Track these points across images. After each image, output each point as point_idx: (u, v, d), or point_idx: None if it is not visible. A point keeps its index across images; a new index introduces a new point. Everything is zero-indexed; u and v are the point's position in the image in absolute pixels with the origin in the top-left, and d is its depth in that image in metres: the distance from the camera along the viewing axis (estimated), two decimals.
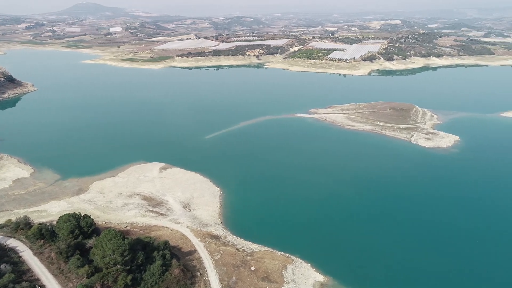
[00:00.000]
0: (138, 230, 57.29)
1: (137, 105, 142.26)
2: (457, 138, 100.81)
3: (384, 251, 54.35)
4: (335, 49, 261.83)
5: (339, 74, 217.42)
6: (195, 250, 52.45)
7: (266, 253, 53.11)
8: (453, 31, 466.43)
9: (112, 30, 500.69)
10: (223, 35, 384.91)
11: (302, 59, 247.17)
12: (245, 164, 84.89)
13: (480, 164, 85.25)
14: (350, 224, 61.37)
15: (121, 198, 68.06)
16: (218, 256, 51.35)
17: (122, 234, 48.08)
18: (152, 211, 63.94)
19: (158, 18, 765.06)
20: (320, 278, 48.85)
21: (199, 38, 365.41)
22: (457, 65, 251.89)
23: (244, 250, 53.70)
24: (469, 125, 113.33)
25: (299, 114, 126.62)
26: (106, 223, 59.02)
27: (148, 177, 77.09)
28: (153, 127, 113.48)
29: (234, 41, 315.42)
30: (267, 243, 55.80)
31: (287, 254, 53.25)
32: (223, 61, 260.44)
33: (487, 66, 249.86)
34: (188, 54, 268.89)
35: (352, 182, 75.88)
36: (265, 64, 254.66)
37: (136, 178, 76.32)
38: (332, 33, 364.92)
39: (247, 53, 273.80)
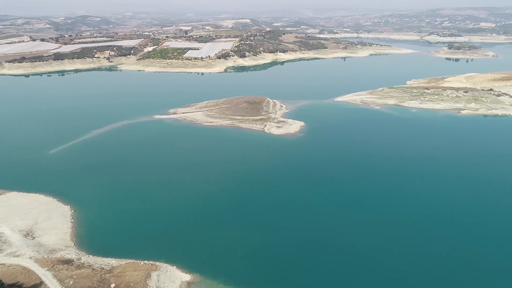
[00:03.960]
0: None
1: None
2: (302, 123, 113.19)
3: (247, 241, 57.17)
4: (190, 48, 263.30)
5: (197, 73, 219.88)
6: (41, 282, 45.80)
7: (128, 266, 50.02)
8: (294, 28, 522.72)
9: None
10: (65, 36, 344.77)
11: (158, 59, 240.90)
12: (100, 176, 78.06)
13: (322, 143, 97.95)
14: (214, 220, 62.64)
15: None
16: (71, 282, 45.98)
17: None
18: None
19: None
20: (187, 277, 48.62)
21: (34, 40, 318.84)
22: (300, 59, 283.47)
23: (102, 268, 49.41)
24: (311, 111, 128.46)
25: (157, 116, 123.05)
26: None
27: None
28: None
29: (79, 43, 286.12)
30: (129, 255, 52.67)
31: (151, 262, 51.26)
32: (68, 65, 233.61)
33: (323, 58, 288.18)
34: (22, 59, 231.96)
35: (215, 177, 77.60)
36: (118, 66, 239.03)
37: None
38: (186, 32, 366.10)
39: (96, 56, 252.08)
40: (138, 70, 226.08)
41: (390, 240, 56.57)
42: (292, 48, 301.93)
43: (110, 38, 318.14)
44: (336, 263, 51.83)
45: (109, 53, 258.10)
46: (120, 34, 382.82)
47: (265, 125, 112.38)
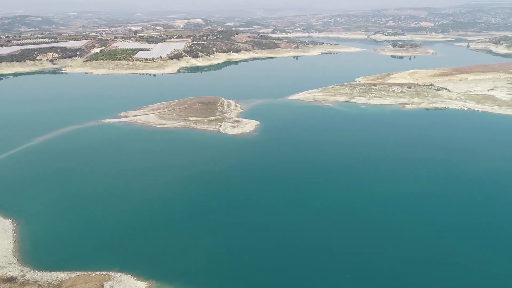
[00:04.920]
0: None
1: None
2: (257, 122, 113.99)
3: (203, 244, 56.60)
4: (141, 49, 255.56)
5: (149, 74, 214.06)
6: None
7: (78, 278, 47.54)
8: (247, 28, 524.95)
9: None
10: (2, 38, 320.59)
11: (106, 61, 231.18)
12: (45, 186, 73.58)
13: (277, 141, 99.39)
14: (169, 225, 61.36)
15: None
16: None
17: None
18: None
19: None
20: (142, 285, 47.16)
21: None
22: (254, 59, 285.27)
23: (50, 283, 46.56)
24: (265, 110, 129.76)
25: (107, 120, 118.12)
26: None
27: None
28: None
29: (18, 45, 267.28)
30: (80, 267, 50.13)
31: (104, 272, 49.13)
32: (6, 68, 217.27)
33: (276, 58, 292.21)
34: None
35: (170, 182, 76.02)
36: (63, 68, 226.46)
37: None
38: (136, 32, 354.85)
39: (38, 58, 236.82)
40: (85, 73, 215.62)
41: (348, 237, 58.55)
42: (246, 47, 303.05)
43: (53, 39, 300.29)
44: (292, 264, 52.71)
45: (52, 55, 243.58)
46: (64, 35, 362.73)
47: (220, 125, 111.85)
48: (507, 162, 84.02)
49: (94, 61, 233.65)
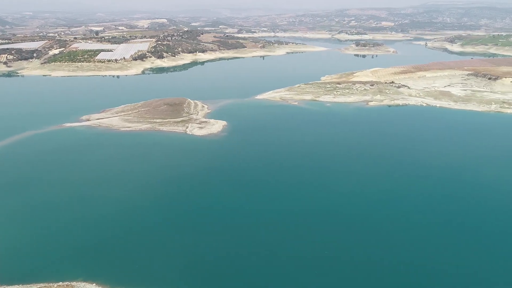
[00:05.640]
0: None
1: None
2: (224, 122, 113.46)
3: (169, 250, 55.61)
4: (103, 50, 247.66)
5: (112, 76, 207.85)
6: None
7: None
8: (213, 28, 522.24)
9: None
10: None
11: (66, 63, 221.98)
12: (4, 195, 69.51)
13: (244, 141, 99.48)
14: (135, 231, 59.70)
15: None
16: None
17: None
18: None
19: None
20: None
21: None
22: (220, 59, 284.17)
23: None
24: (233, 110, 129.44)
25: (68, 124, 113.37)
26: None
27: None
28: None
29: None
30: (41, 279, 47.82)
31: (67, 282, 47.12)
32: None
33: (243, 57, 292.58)
34: None
35: (136, 187, 74.00)
36: (19, 71, 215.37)
37: None
38: (97, 33, 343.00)
39: None
40: (44, 75, 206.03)
41: (318, 238, 59.46)
42: (212, 48, 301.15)
43: (7, 40, 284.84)
44: (258, 268, 52.86)
45: (6, 57, 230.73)
46: (20, 35, 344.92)
47: (187, 127, 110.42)
48: (464, 155, 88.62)
49: (53, 63, 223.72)
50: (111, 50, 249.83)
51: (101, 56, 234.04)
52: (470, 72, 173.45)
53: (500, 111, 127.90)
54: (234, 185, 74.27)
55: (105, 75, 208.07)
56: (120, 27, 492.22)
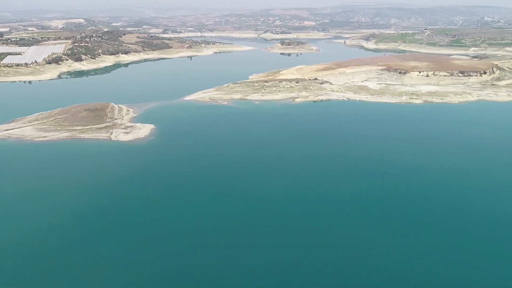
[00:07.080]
0: None
1: None
2: (152, 126, 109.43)
3: (90, 261, 52.23)
4: (10, 53, 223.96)
5: (23, 82, 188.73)
6: None
7: None
8: (136, 28, 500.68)
9: None
10: None
11: None
12: None
13: (174, 143, 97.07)
14: (54, 249, 54.99)
15: None
16: None
17: None
18: None
19: None
20: None
21: None
22: (145, 60, 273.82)
23: None
24: (160, 113, 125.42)
25: None
26: None
27: None
28: None
29: None
30: None
31: None
32: None
33: (169, 58, 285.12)
34: None
35: (55, 204, 67.98)
36: None
37: None
38: (2, 34, 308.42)
39: None
40: None
41: (259, 240, 59.95)
42: (135, 49, 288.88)
43: None
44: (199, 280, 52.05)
45: None
46: None
47: (112, 133, 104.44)
48: (383, 143, 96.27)
49: None
50: (20, 53, 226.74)
51: (7, 60, 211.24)
52: (383, 68, 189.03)
53: (410, 101, 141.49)
54: (165, 189, 71.94)
55: (14, 81, 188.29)
56: (30, 28, 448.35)
